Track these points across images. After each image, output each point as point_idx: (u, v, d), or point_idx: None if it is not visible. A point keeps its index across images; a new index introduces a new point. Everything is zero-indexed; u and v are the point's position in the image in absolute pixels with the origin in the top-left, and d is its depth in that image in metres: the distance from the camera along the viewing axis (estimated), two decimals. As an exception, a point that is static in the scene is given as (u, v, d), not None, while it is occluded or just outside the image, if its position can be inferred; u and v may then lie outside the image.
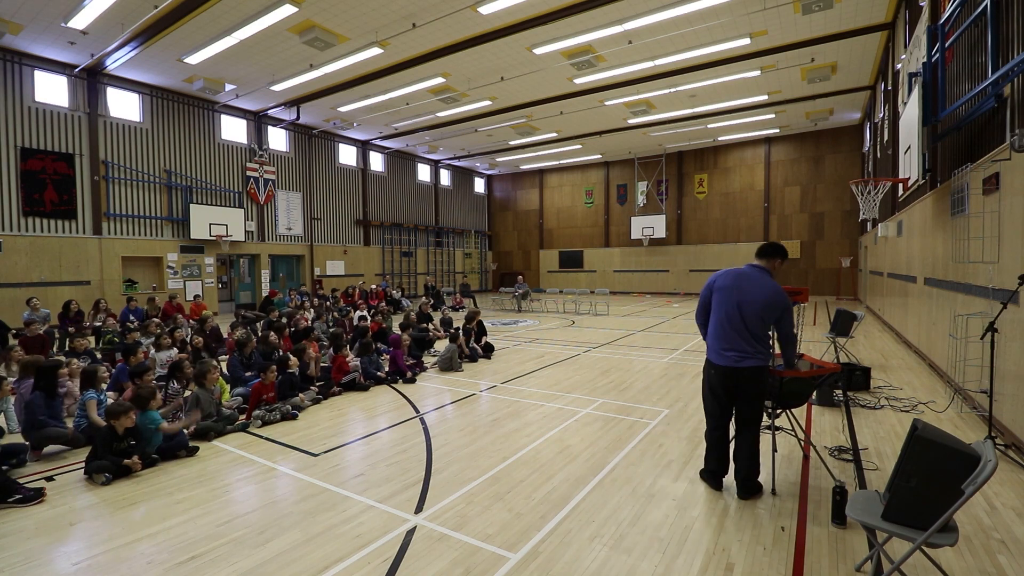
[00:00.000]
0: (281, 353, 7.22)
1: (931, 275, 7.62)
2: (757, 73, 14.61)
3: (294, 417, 5.76)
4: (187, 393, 5.50)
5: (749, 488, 3.62)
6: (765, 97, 17.06)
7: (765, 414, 4.05)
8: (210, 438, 5.04)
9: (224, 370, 7.02)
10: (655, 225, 25.37)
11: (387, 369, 7.67)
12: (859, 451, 4.24)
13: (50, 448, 4.77)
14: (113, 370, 6.97)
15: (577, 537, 3.14)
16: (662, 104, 17.79)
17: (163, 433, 4.53)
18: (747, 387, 3.56)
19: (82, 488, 3.98)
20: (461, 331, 8.99)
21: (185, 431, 4.83)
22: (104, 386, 5.49)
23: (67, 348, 9.26)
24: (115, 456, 4.16)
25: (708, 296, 3.84)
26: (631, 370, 7.99)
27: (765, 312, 3.54)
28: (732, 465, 3.73)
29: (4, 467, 4.12)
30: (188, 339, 8.58)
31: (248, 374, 7.02)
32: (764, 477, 3.90)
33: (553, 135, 21.95)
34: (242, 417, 5.56)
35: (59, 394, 5.04)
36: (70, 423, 5.15)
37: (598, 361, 8.73)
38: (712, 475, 3.79)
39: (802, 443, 4.49)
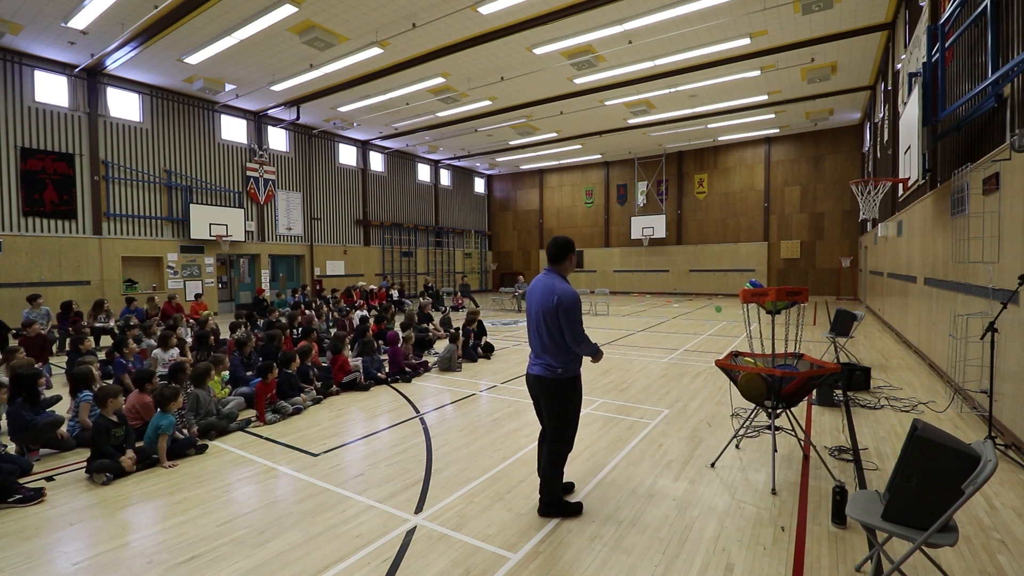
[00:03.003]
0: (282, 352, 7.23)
1: (931, 275, 7.61)
2: (757, 73, 14.61)
3: (299, 411, 5.90)
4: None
5: (546, 505, 3.39)
6: (765, 97, 17.06)
7: (765, 414, 4.05)
8: (211, 437, 5.05)
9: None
10: (655, 225, 25.37)
11: (387, 370, 7.66)
12: (859, 451, 4.24)
13: (47, 449, 4.75)
14: (111, 367, 6.98)
15: (577, 537, 3.14)
16: (662, 104, 17.79)
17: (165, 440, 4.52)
18: (542, 396, 3.40)
19: (82, 488, 3.98)
20: (461, 331, 8.99)
21: (187, 431, 4.84)
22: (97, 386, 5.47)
23: (67, 348, 9.27)
24: (114, 447, 4.17)
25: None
26: (631, 370, 7.99)
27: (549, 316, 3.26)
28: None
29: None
30: (186, 338, 8.58)
31: (248, 374, 7.02)
32: (764, 477, 3.91)
33: (553, 135, 21.95)
34: (256, 421, 5.56)
35: (41, 402, 4.99)
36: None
37: (598, 361, 8.72)
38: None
39: (802, 443, 4.49)
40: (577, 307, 3.26)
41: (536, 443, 3.66)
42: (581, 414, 5.64)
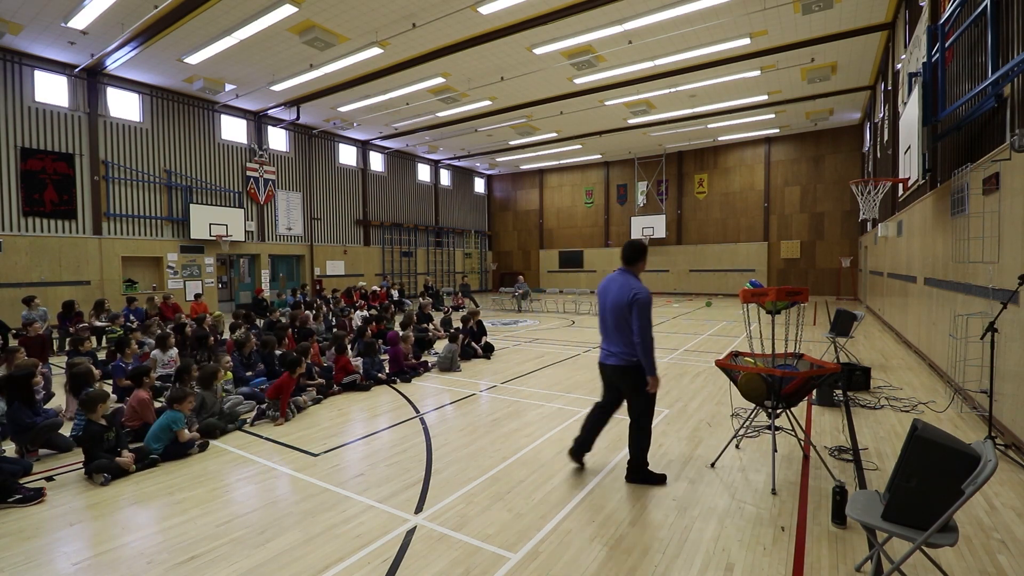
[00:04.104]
0: (283, 352, 7.24)
1: (931, 275, 7.61)
2: (757, 73, 14.61)
3: (300, 410, 5.99)
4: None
5: (634, 472, 3.91)
6: (765, 97, 17.06)
7: (765, 414, 4.05)
8: (215, 436, 5.05)
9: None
10: (655, 225, 25.37)
11: (387, 370, 7.66)
12: (859, 451, 4.24)
13: (47, 450, 4.75)
14: (109, 367, 6.97)
15: (577, 537, 3.14)
16: (662, 104, 17.79)
17: (176, 438, 4.52)
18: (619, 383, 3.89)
19: (82, 488, 3.98)
20: (459, 331, 9.00)
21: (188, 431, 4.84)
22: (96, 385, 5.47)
23: (67, 348, 9.27)
24: (107, 452, 4.17)
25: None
26: (631, 370, 7.98)
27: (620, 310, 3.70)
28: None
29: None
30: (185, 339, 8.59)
31: (248, 374, 7.02)
32: (764, 477, 3.91)
33: (553, 135, 21.95)
34: (281, 421, 5.57)
35: (38, 400, 4.98)
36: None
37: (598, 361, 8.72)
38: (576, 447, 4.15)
39: (802, 443, 4.48)
40: (649, 305, 3.66)
41: (588, 412, 4.18)
42: (582, 413, 5.66)
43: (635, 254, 3.83)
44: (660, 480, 3.86)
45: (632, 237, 26.04)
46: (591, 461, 4.33)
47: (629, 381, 3.76)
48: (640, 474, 3.86)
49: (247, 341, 7.39)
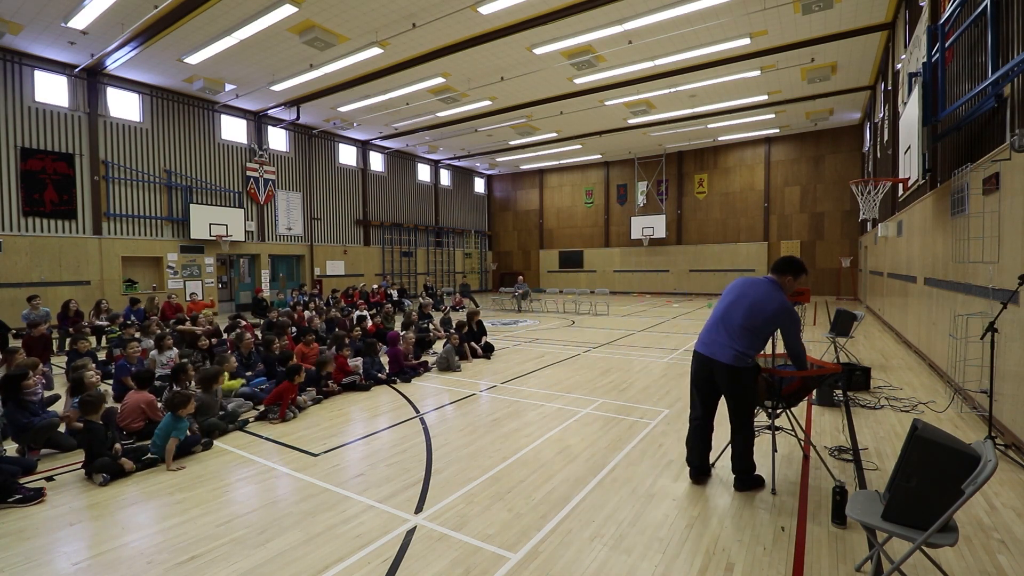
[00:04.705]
0: (282, 352, 7.24)
1: (931, 275, 7.61)
2: (757, 73, 14.61)
3: (301, 409, 5.99)
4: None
5: (743, 482, 3.75)
6: (765, 97, 17.06)
7: (764, 414, 4.04)
8: (215, 436, 5.05)
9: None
10: (655, 225, 25.37)
11: (387, 371, 7.66)
12: (859, 451, 4.23)
13: (47, 450, 4.76)
14: (111, 367, 6.96)
15: (577, 537, 3.14)
16: (662, 104, 17.79)
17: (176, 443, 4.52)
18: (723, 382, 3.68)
19: (82, 488, 3.98)
20: (454, 330, 9.01)
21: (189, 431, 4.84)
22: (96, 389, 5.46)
23: (67, 348, 9.28)
24: (108, 451, 4.17)
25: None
26: (631, 370, 7.99)
27: (760, 315, 3.58)
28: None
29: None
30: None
31: (248, 374, 7.02)
32: (764, 477, 3.90)
33: (553, 135, 21.95)
34: (277, 420, 5.58)
35: (31, 401, 4.98)
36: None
37: (598, 361, 8.73)
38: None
39: (802, 443, 4.48)
40: (798, 321, 3.59)
41: (689, 434, 3.93)
42: (582, 413, 5.67)
43: (787, 268, 3.69)
44: (761, 483, 3.77)
45: (632, 237, 26.06)
46: (591, 461, 4.33)
47: (740, 381, 3.58)
48: (750, 478, 3.72)
49: (243, 340, 7.39)
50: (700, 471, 3.88)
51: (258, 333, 9.55)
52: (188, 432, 4.78)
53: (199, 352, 7.61)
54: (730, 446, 3.79)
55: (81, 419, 5.00)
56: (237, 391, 6.24)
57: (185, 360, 6.35)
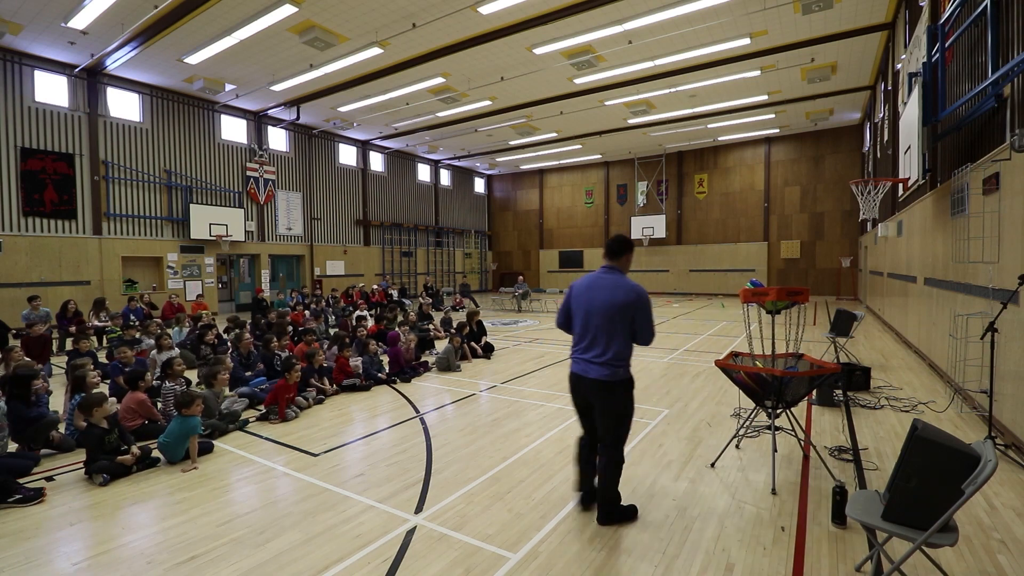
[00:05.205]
0: (286, 353, 7.25)
1: (931, 275, 7.61)
2: (757, 73, 14.61)
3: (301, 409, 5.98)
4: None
5: (607, 515, 3.29)
6: (765, 97, 17.05)
7: (765, 414, 4.04)
8: (215, 436, 5.05)
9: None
10: (655, 225, 25.38)
11: (387, 371, 7.66)
12: (859, 451, 4.23)
13: (47, 450, 4.75)
14: (109, 367, 6.95)
15: (577, 537, 3.14)
16: (662, 104, 17.79)
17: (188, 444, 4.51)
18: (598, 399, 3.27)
19: (82, 488, 3.98)
20: (455, 331, 9.00)
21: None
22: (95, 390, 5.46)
23: (67, 348, 9.27)
24: (108, 453, 4.16)
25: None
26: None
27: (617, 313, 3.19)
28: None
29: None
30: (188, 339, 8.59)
31: (248, 374, 7.02)
32: (764, 477, 3.91)
33: (553, 135, 21.95)
34: (277, 420, 5.58)
35: (34, 401, 4.98)
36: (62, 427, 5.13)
37: (598, 361, 8.71)
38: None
39: (802, 443, 4.49)
40: (650, 304, 3.26)
41: (576, 454, 3.51)
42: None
43: (622, 247, 3.34)
44: (633, 514, 3.34)
45: (632, 237, 26.02)
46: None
47: (612, 398, 3.19)
48: (616, 512, 3.29)
49: (242, 340, 7.39)
50: (591, 496, 3.46)
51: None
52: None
53: (208, 347, 7.62)
54: (596, 473, 3.37)
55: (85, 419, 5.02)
56: (239, 391, 6.25)
57: (174, 356, 6.33)
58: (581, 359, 3.29)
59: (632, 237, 25.90)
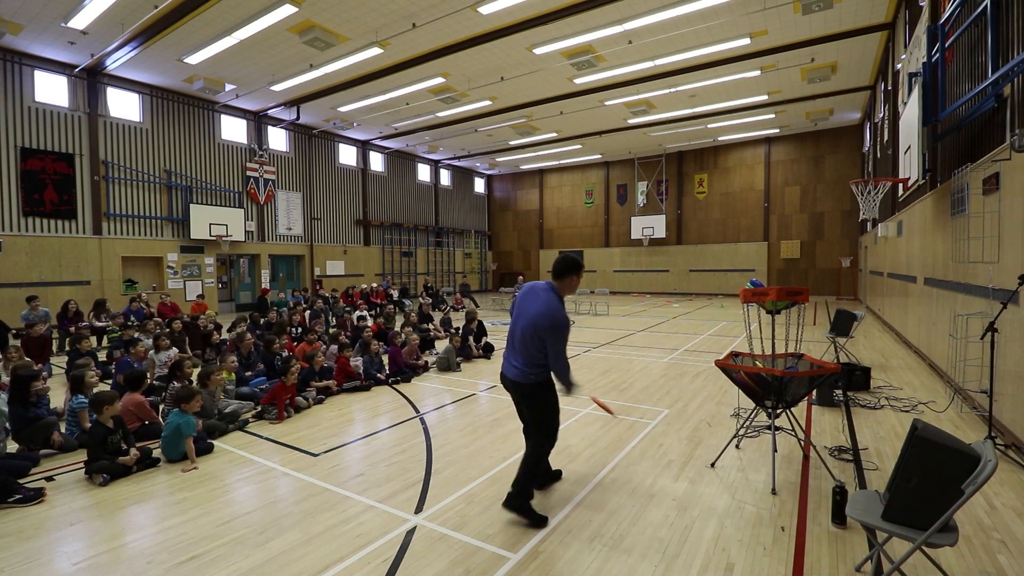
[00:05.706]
0: (286, 353, 7.25)
1: (931, 275, 7.61)
2: (757, 73, 14.61)
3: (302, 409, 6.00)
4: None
5: (514, 498, 3.35)
6: (765, 97, 17.05)
7: (765, 414, 4.04)
8: (214, 437, 5.05)
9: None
10: (655, 225, 25.37)
11: (387, 371, 7.66)
12: (859, 451, 4.23)
13: (47, 450, 4.75)
14: (112, 367, 6.96)
15: (577, 537, 3.14)
16: (662, 104, 17.79)
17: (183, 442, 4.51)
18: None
19: (82, 488, 3.98)
20: (457, 331, 9.00)
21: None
22: (95, 390, 5.45)
23: (67, 348, 9.27)
24: (110, 453, 4.16)
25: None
26: (631, 370, 7.99)
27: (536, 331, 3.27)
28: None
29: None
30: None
31: (248, 374, 7.02)
32: (764, 477, 3.91)
33: (553, 135, 21.95)
34: (275, 421, 5.59)
35: (34, 402, 4.97)
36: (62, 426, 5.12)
37: (598, 361, 8.73)
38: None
39: (802, 443, 4.49)
40: (565, 331, 3.26)
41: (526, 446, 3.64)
42: (582, 413, 5.66)
43: (567, 268, 3.35)
44: (539, 522, 3.28)
45: (632, 237, 26.08)
46: (591, 461, 4.33)
47: (528, 393, 3.39)
48: (523, 507, 3.31)
49: (243, 341, 7.39)
50: (544, 482, 3.79)
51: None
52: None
53: (211, 348, 7.62)
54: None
55: (74, 415, 5.02)
56: (238, 391, 6.24)
57: (185, 356, 6.35)
58: (505, 357, 3.54)
59: (632, 237, 25.98)
